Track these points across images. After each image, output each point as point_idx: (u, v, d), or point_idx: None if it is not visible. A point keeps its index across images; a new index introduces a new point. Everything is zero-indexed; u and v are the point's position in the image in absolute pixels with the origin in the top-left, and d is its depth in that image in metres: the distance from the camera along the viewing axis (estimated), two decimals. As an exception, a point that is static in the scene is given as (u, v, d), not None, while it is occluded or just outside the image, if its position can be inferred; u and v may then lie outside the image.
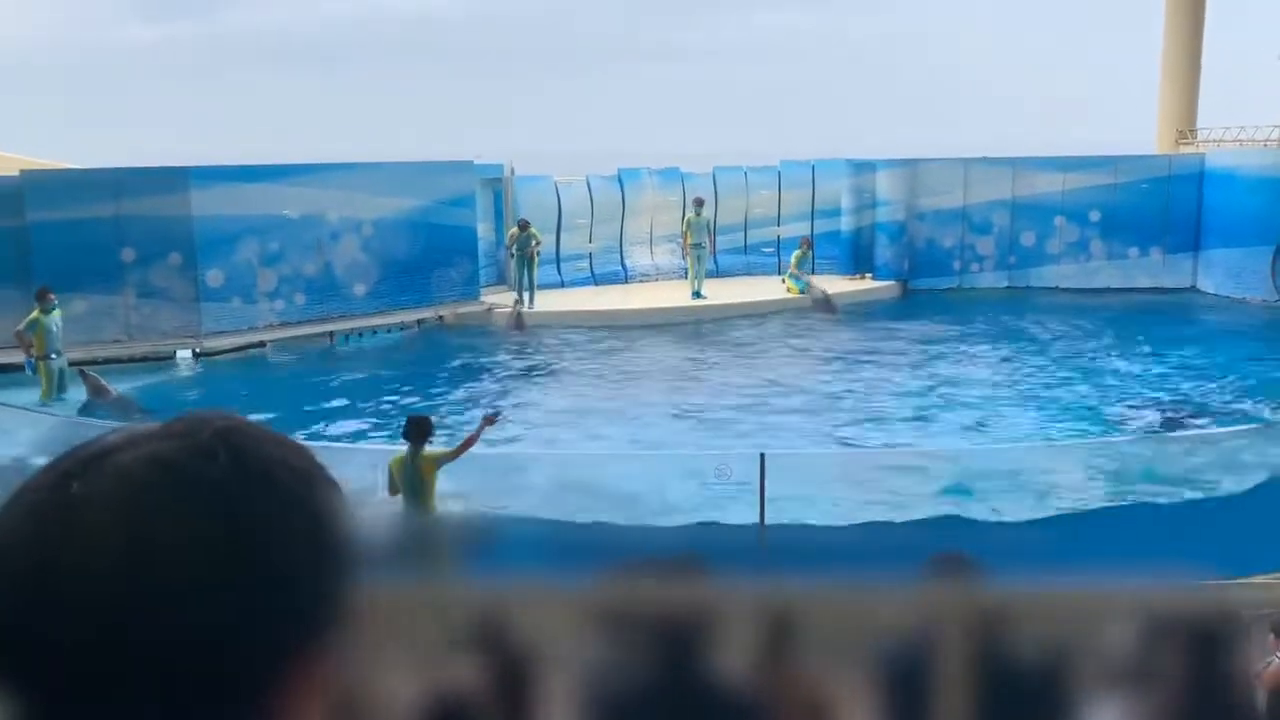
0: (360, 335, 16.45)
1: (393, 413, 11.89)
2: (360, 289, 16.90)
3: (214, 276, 15.48)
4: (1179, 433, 10.56)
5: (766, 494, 7.72)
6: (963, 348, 15.48)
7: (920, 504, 8.24)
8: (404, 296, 17.28)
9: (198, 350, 15.02)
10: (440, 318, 17.33)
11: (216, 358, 15.02)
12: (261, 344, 15.57)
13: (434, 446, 7.55)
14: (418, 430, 7.39)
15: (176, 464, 0.65)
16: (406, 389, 13.20)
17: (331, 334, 16.23)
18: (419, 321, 17.11)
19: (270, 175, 16.30)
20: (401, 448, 7.52)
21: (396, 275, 17.19)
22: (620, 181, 20.64)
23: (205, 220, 15.30)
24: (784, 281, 19.00)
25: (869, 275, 20.34)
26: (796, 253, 18.97)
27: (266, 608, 0.64)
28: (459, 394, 13.24)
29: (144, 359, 14.62)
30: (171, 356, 14.87)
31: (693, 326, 17.15)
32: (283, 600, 0.65)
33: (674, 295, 18.73)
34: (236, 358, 15.14)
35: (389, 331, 16.73)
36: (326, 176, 16.73)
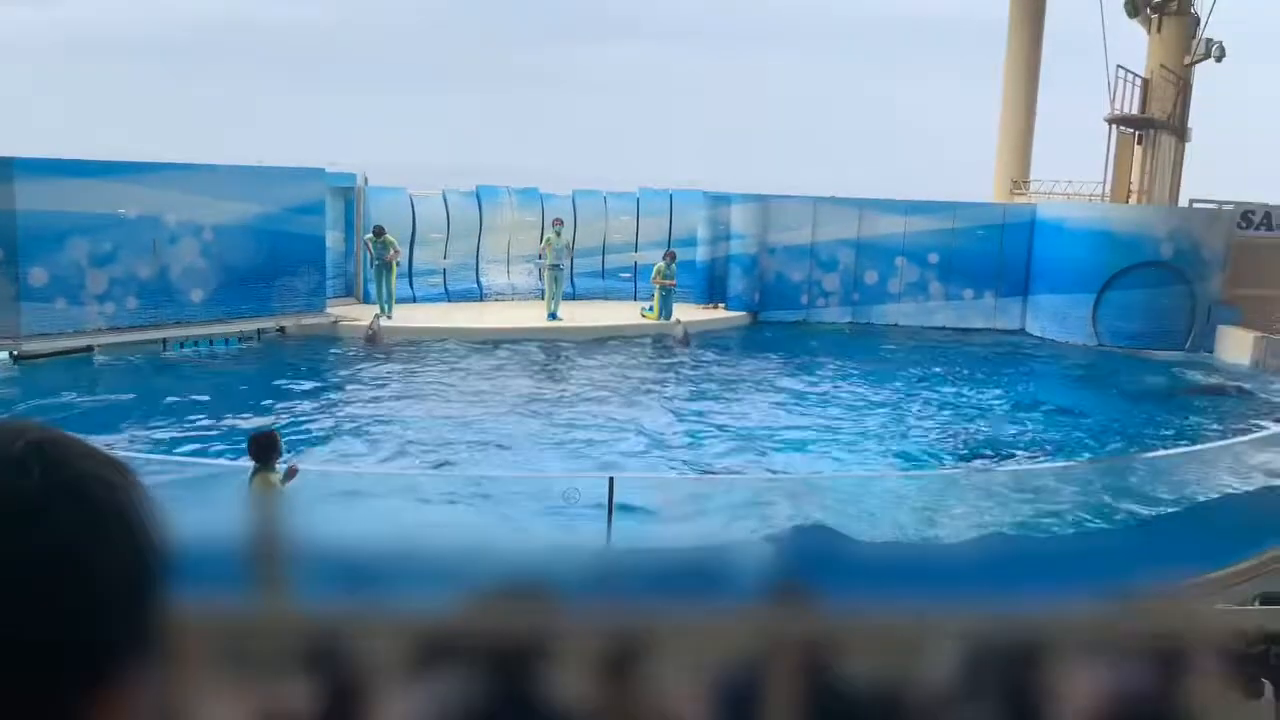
0: (195, 343, 15.77)
1: (218, 425, 11.44)
2: (198, 295, 16.20)
3: (37, 275, 14.58)
4: (1007, 466, 11.13)
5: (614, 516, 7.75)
6: (803, 379, 15.94)
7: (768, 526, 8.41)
8: (244, 305, 16.67)
9: (15, 352, 14.14)
10: (282, 328, 16.78)
11: (37, 360, 14.15)
12: (88, 348, 14.74)
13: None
14: (256, 449, 7.10)
15: None
16: (240, 401, 12.71)
17: (165, 341, 15.50)
18: (259, 331, 16.52)
19: (105, 171, 15.48)
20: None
21: (237, 283, 16.56)
22: (478, 198, 20.51)
23: (30, 215, 14.41)
24: (644, 311, 19.16)
25: (722, 305, 20.79)
26: (659, 265, 19.10)
27: (79, 630, 0.60)
28: (296, 407, 12.82)
29: (-46, 359, 13.66)
30: (-14, 358, 13.93)
31: (548, 347, 17.12)
32: (97, 623, 0.61)
33: (530, 315, 18.69)
34: (59, 361, 14.30)
35: (226, 341, 16.10)
36: (166, 176, 15.98)
